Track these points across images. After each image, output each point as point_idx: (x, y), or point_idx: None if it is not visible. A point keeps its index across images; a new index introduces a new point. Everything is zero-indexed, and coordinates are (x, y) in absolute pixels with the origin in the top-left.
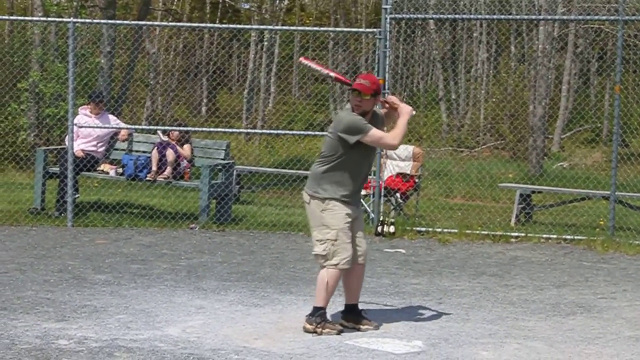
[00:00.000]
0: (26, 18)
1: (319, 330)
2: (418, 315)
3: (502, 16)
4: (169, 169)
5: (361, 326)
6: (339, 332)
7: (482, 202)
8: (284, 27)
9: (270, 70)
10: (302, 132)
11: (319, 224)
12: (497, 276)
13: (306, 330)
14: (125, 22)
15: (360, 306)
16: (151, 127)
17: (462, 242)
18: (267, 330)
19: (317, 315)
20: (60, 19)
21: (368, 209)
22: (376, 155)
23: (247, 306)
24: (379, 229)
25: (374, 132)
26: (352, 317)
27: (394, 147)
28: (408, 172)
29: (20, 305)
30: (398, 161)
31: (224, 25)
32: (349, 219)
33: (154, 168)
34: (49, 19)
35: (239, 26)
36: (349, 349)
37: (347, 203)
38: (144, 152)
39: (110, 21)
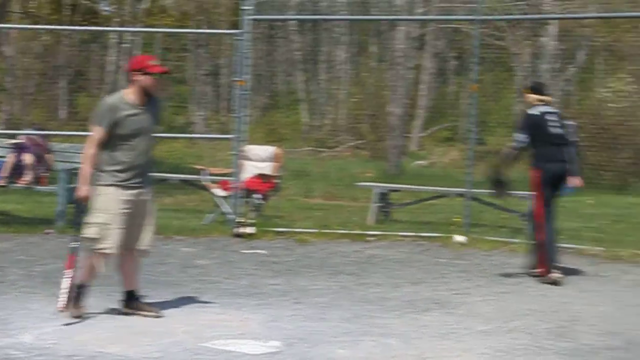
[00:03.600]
0: None
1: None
2: (275, 315)
3: (362, 17)
4: (29, 174)
5: (141, 312)
6: (77, 317)
7: (341, 202)
8: (145, 29)
9: None
10: (162, 135)
11: (94, 207)
12: (355, 275)
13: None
14: None
15: (218, 306)
16: (8, 131)
17: (321, 241)
18: (123, 335)
19: (76, 291)
20: None
21: (227, 210)
22: (154, 139)
23: (103, 311)
24: (238, 230)
25: (94, 132)
26: (132, 304)
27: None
28: (267, 172)
29: None
30: (257, 162)
31: (83, 28)
32: (125, 205)
33: (5, 173)
34: None
35: (98, 28)
36: (206, 351)
37: (124, 187)
38: (1, 157)
39: None
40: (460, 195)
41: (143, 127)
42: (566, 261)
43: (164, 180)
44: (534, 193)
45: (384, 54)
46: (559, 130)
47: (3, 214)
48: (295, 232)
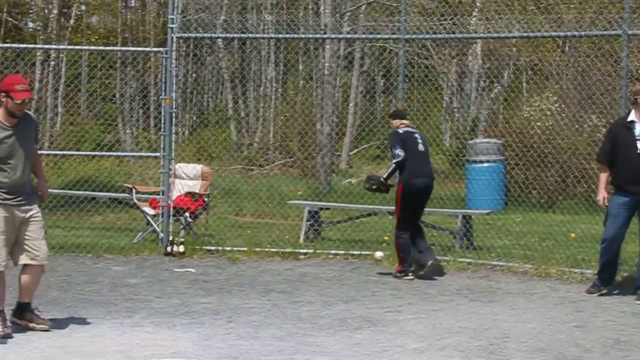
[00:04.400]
0: None
1: None
2: (208, 334)
3: (289, 35)
4: None
5: (34, 324)
6: (6, 336)
7: (271, 220)
8: (70, 47)
9: (57, 90)
10: (90, 153)
11: None
12: (287, 293)
13: None
14: None
15: (150, 325)
16: None
17: (252, 259)
18: (54, 355)
19: None
20: None
21: (157, 229)
22: (34, 156)
23: (34, 330)
24: (169, 248)
25: None
26: (25, 315)
27: None
28: (197, 191)
29: None
30: (187, 180)
31: (7, 45)
32: (9, 221)
33: None
34: None
35: (23, 45)
36: None
37: (5, 205)
38: None
39: None
40: (390, 213)
41: (17, 147)
42: (497, 279)
43: (93, 198)
44: (397, 206)
45: (312, 73)
46: (423, 147)
47: None
48: (226, 251)
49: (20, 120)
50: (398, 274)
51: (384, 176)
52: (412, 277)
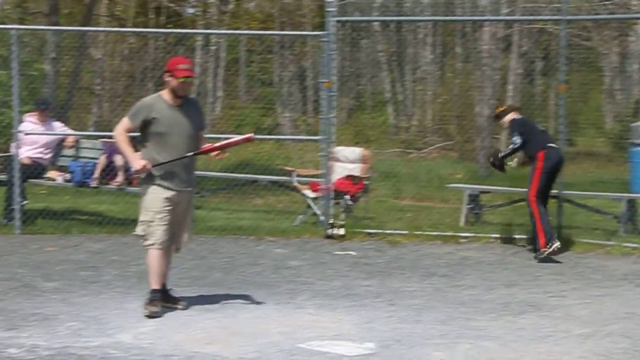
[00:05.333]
0: None
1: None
2: (370, 317)
3: (446, 17)
4: (121, 175)
5: (170, 304)
6: (152, 315)
7: (431, 203)
8: (229, 32)
9: (217, 74)
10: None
11: (142, 205)
12: (448, 277)
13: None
14: (69, 28)
15: (312, 307)
16: (98, 133)
17: (412, 243)
18: (219, 335)
19: (151, 296)
20: (2, 26)
21: (317, 211)
22: (194, 139)
23: (199, 311)
24: (329, 231)
25: (124, 120)
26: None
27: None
28: (357, 174)
29: None
30: (346, 163)
31: (169, 30)
32: (167, 203)
33: (96, 175)
34: None
35: (184, 30)
36: (301, 352)
37: (165, 187)
38: (91, 158)
39: (53, 27)
40: (553, 197)
41: (177, 126)
42: None
43: (254, 181)
44: (536, 174)
45: (470, 55)
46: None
47: (96, 215)
48: (386, 234)
49: (185, 102)
50: (546, 249)
51: (502, 154)
52: (558, 243)
